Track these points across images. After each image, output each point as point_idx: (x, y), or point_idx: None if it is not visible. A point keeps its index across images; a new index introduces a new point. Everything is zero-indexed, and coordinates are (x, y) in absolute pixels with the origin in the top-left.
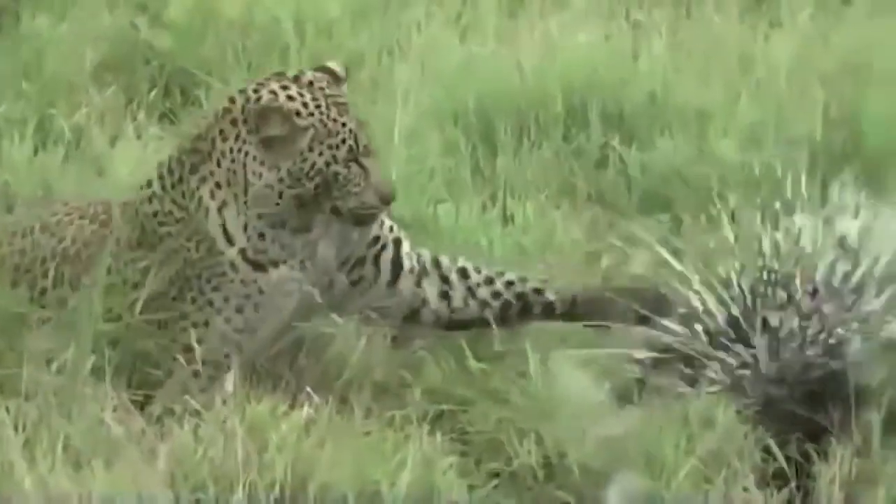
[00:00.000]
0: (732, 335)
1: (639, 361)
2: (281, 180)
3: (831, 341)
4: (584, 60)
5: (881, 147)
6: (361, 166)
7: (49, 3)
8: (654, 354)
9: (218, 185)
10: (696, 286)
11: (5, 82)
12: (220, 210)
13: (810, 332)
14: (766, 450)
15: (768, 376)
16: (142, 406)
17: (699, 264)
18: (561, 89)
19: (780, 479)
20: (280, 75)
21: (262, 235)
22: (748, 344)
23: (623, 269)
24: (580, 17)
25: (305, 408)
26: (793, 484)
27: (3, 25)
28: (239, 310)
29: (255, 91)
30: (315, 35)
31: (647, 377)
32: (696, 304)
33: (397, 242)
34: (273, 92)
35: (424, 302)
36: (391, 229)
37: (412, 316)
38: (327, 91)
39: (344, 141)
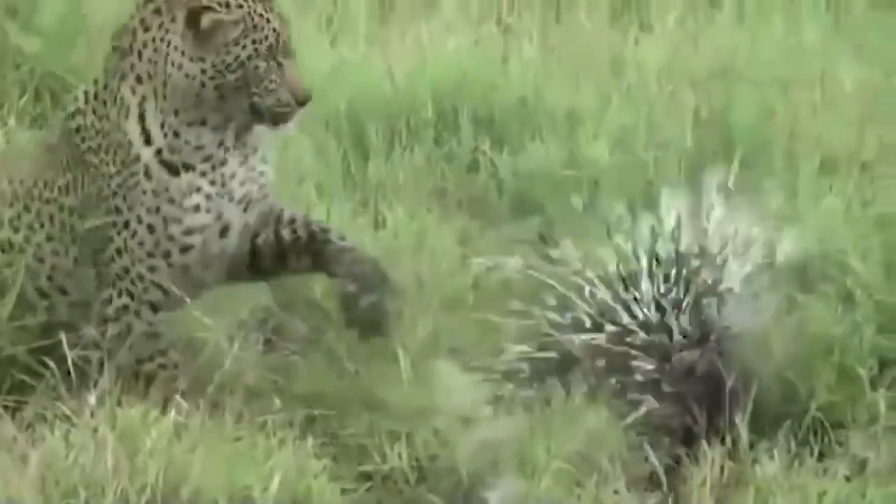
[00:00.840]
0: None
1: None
2: (203, 71)
3: (710, 341)
4: (455, 65)
5: (750, 149)
6: (279, 64)
7: None
8: (533, 353)
9: (139, 79)
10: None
11: None
12: (139, 104)
13: (690, 331)
14: (638, 453)
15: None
16: (13, 412)
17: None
18: (431, 94)
19: (651, 482)
20: None
21: (177, 134)
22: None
23: (494, 273)
24: (451, 23)
25: (172, 413)
26: (664, 487)
27: None
28: (150, 228)
29: None
30: None
31: (523, 380)
32: (579, 301)
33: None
34: None
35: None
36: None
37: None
38: None
39: (267, 37)
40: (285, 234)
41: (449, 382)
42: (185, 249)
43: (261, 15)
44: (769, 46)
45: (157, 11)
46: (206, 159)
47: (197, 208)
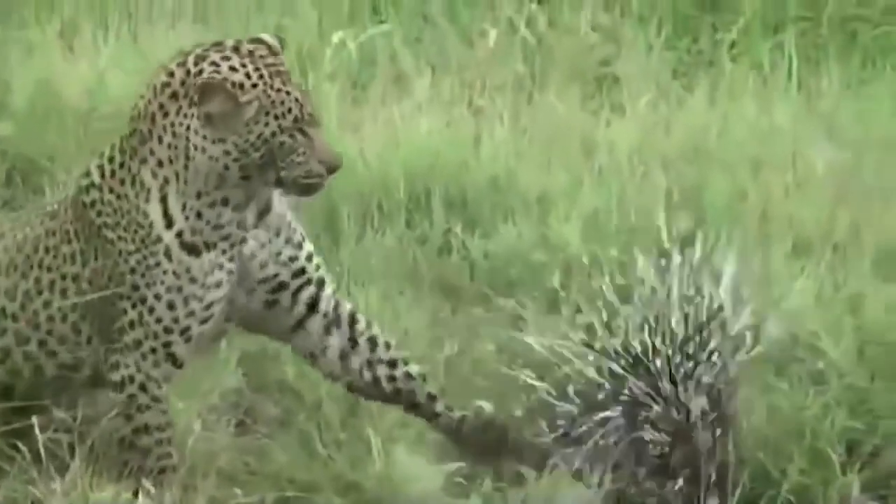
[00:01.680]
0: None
1: None
2: (227, 153)
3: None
4: (427, 147)
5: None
6: (306, 135)
7: None
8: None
9: (160, 164)
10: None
11: None
12: (161, 188)
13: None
14: None
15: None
16: None
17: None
18: (404, 175)
19: None
20: (219, 45)
21: (199, 215)
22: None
23: (466, 355)
24: (422, 104)
25: (141, 498)
26: None
27: None
28: (170, 306)
29: (196, 63)
30: None
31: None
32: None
33: (321, 283)
34: (214, 63)
35: (324, 352)
36: (317, 267)
37: (309, 357)
38: (268, 60)
39: (290, 110)
40: (382, 376)
41: (408, 471)
42: (204, 322)
43: (279, 90)
44: (741, 127)
45: (174, 96)
46: (226, 238)
47: (219, 284)
